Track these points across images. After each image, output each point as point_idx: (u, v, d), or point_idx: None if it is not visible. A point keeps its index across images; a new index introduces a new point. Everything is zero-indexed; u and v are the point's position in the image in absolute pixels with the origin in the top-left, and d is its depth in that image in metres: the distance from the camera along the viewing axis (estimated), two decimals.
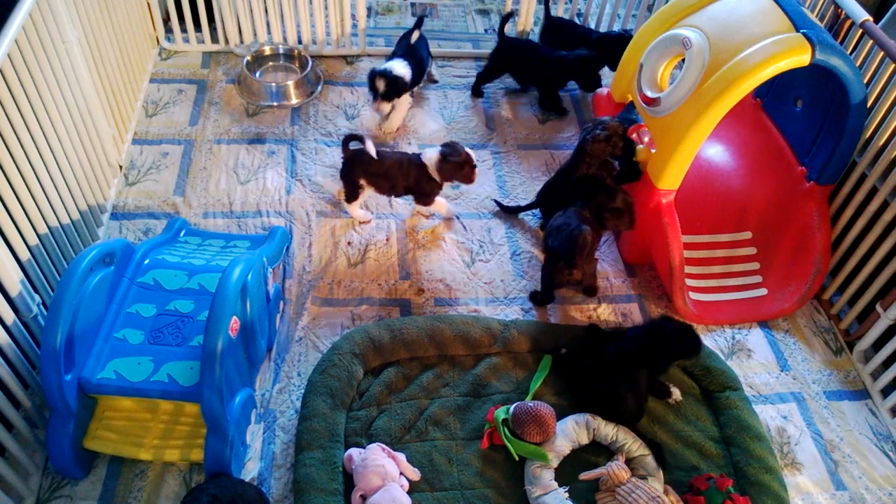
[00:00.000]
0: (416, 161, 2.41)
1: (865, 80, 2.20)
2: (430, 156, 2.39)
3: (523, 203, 2.62)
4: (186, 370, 1.75)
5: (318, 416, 1.89)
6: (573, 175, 2.40)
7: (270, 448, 1.93)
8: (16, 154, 1.78)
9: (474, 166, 2.40)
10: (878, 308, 2.16)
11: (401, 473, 1.81)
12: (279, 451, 1.92)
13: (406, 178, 2.41)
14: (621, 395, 1.93)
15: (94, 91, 2.31)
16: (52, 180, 1.98)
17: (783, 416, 2.15)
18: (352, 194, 2.45)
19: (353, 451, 1.84)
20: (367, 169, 2.39)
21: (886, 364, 2.17)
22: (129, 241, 2.00)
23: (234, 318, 1.69)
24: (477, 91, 3.10)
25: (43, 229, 1.92)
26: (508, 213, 2.62)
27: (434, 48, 3.31)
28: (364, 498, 1.75)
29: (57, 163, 2.01)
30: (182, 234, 2.30)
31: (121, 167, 2.59)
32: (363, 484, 1.75)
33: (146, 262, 2.00)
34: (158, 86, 2.95)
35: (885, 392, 2.19)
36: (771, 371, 2.26)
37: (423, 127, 2.92)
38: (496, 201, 2.63)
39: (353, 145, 2.39)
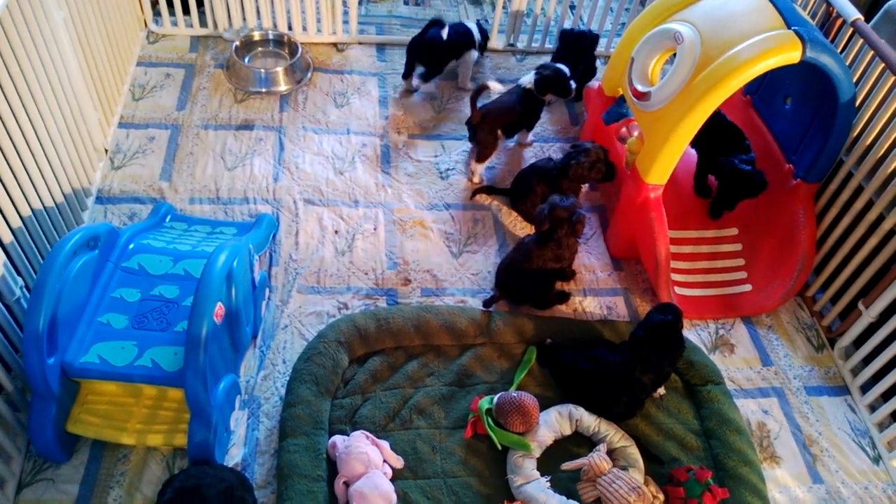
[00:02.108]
0: (523, 90, 2.63)
1: (855, 79, 2.21)
2: (530, 79, 2.62)
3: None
4: (170, 355, 1.75)
5: (303, 403, 1.89)
6: (538, 173, 2.49)
7: (254, 434, 1.92)
8: None
9: (569, 78, 2.67)
10: (861, 306, 2.18)
11: (384, 461, 1.82)
12: (263, 438, 1.92)
13: (525, 107, 2.64)
14: (617, 396, 1.95)
15: (80, 73, 2.28)
16: (36, 163, 1.95)
17: (764, 410, 2.17)
18: (487, 152, 2.62)
19: (337, 439, 1.84)
20: (502, 118, 2.58)
21: (866, 361, 2.20)
22: (113, 225, 1.99)
23: (219, 304, 1.68)
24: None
25: (27, 212, 1.90)
26: (484, 192, 2.65)
27: None
28: (347, 485, 1.76)
29: (41, 145, 1.99)
30: (168, 220, 2.28)
31: (106, 151, 2.56)
32: (346, 471, 1.76)
33: (131, 246, 1.99)
34: (146, 69, 2.92)
35: (864, 388, 2.23)
36: (753, 366, 2.28)
37: (416, 117, 2.91)
38: (477, 189, 2.64)
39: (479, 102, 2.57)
